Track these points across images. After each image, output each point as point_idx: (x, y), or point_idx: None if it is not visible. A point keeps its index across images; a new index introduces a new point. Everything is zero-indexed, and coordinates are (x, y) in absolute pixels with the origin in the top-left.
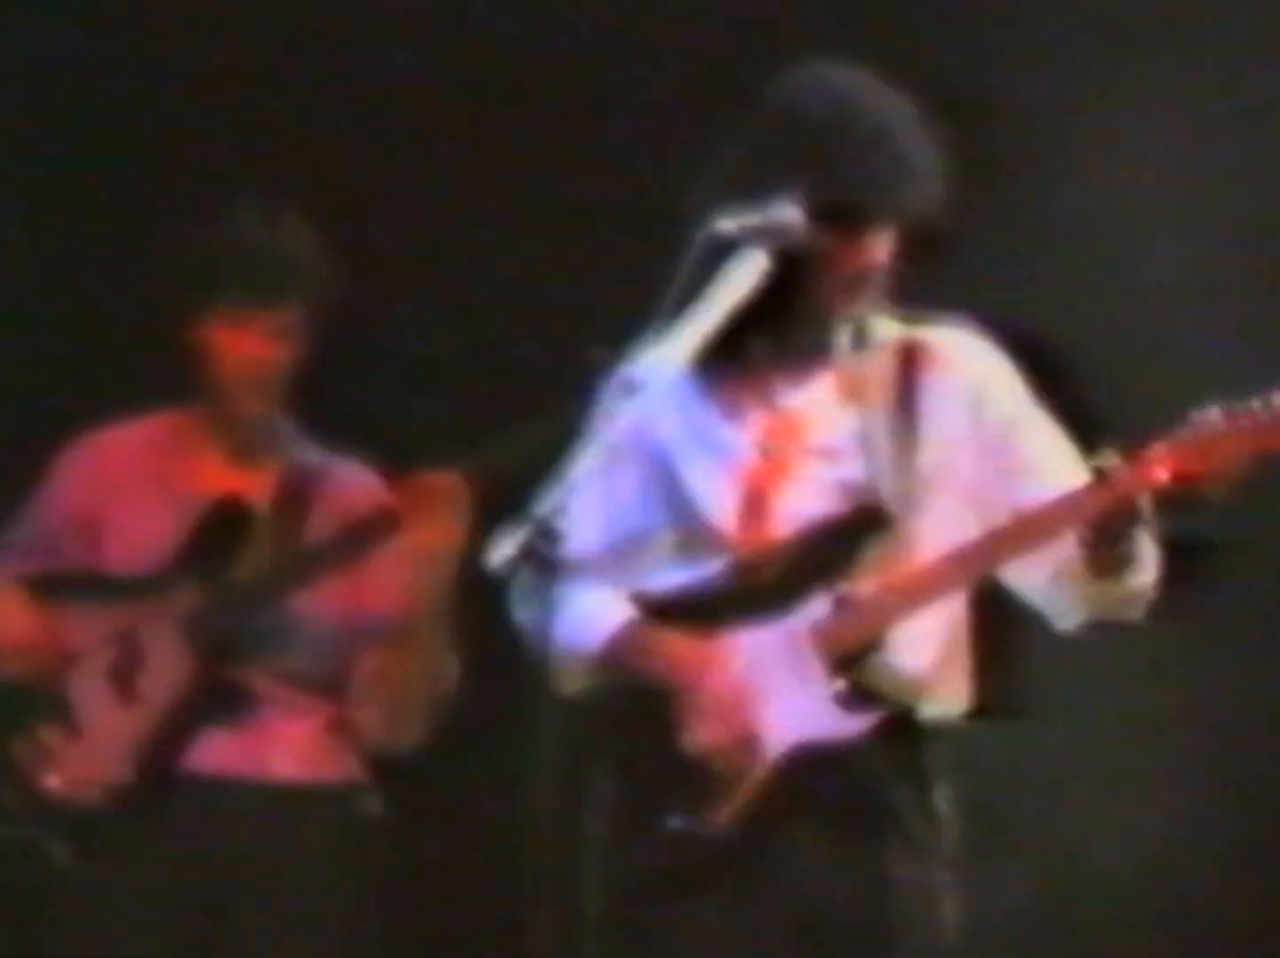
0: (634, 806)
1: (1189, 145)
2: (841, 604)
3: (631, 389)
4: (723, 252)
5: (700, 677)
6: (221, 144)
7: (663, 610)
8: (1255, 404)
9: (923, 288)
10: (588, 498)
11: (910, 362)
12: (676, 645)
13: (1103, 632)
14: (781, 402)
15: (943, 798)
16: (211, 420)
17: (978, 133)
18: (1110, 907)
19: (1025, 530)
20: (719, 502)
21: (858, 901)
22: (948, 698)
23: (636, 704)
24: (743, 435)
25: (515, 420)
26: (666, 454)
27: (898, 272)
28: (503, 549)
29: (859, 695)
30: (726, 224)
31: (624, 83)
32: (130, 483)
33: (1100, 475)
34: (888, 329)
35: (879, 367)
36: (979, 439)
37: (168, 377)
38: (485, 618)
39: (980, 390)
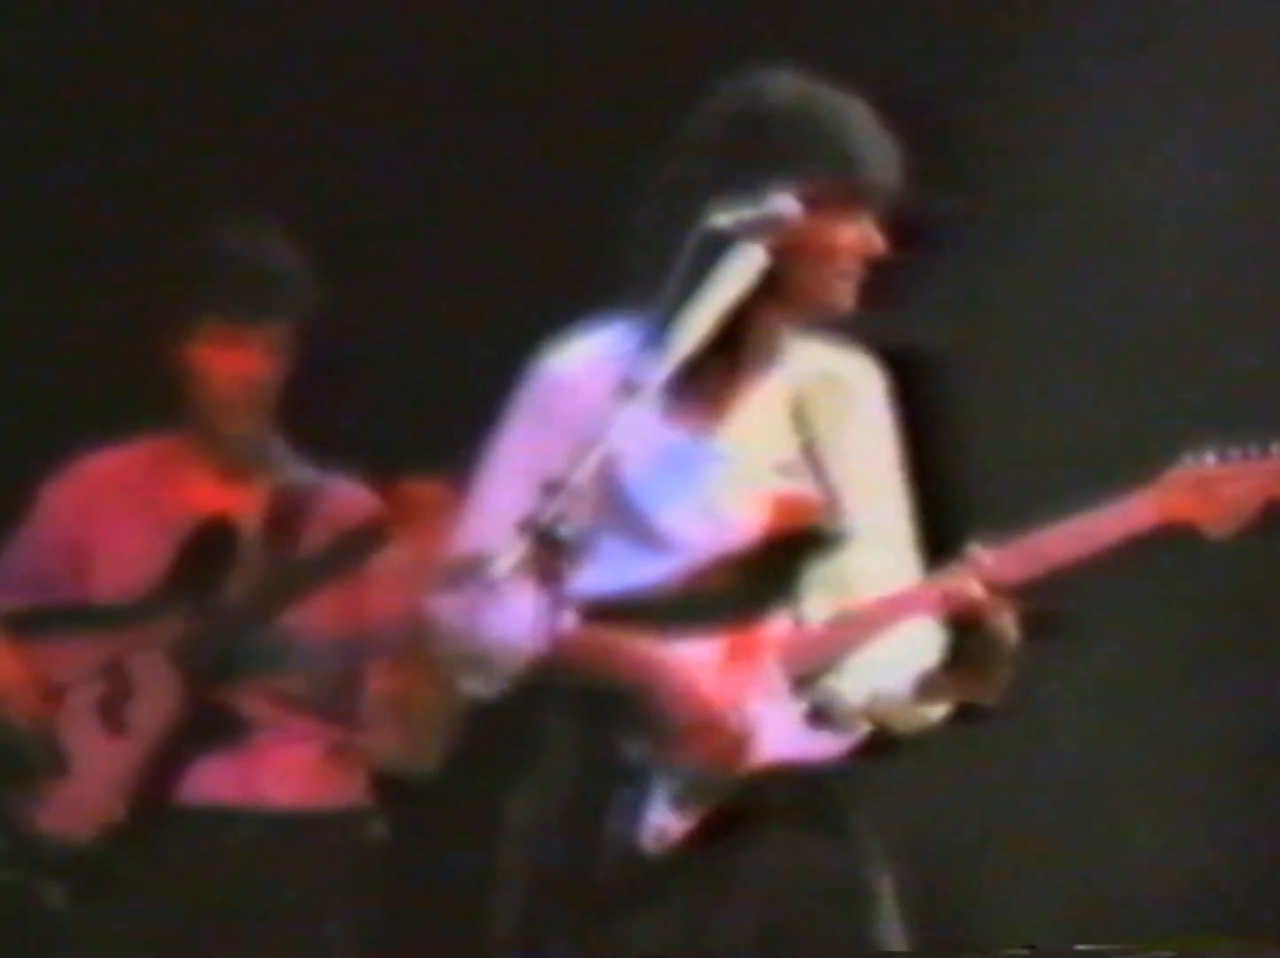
0: (584, 813)
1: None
2: (802, 623)
3: (633, 390)
4: (718, 246)
5: (687, 678)
6: (202, 159)
7: (604, 614)
8: (1254, 452)
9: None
10: (517, 495)
11: (835, 388)
12: (647, 646)
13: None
14: (735, 410)
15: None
16: (198, 442)
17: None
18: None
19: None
20: (665, 504)
21: (824, 910)
22: (917, 716)
23: (584, 707)
24: (693, 444)
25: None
26: (609, 455)
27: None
28: (503, 559)
29: (824, 716)
30: (722, 219)
31: (593, 100)
32: (117, 508)
33: None
34: (807, 348)
35: (815, 388)
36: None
37: (153, 400)
38: None
39: (880, 427)
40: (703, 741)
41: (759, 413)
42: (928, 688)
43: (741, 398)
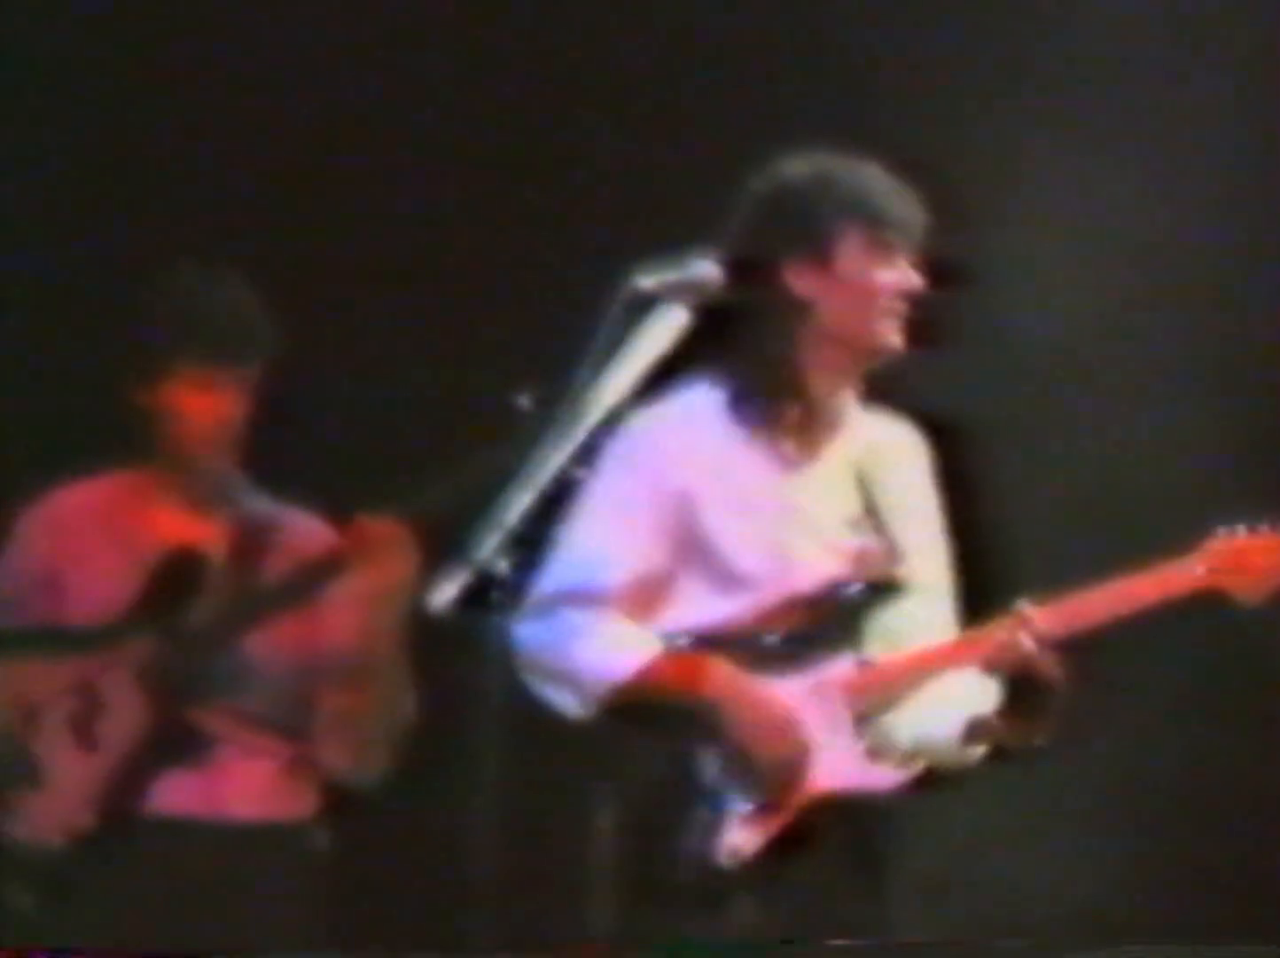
0: (656, 835)
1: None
2: (865, 664)
3: (559, 442)
4: (642, 307)
5: (757, 699)
6: (164, 205)
7: (683, 652)
8: None
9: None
10: (605, 536)
11: (891, 455)
12: (728, 671)
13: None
14: (809, 464)
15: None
16: (167, 476)
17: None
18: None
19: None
20: (741, 547)
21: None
22: (964, 756)
23: (650, 729)
24: (772, 493)
25: (449, 465)
26: (690, 500)
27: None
28: (443, 592)
29: (881, 752)
30: (646, 281)
31: (558, 144)
32: (89, 538)
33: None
34: (866, 419)
35: (872, 454)
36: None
37: (124, 436)
38: (434, 656)
39: (926, 496)
40: (766, 749)
41: (828, 470)
42: (977, 731)
43: (814, 453)
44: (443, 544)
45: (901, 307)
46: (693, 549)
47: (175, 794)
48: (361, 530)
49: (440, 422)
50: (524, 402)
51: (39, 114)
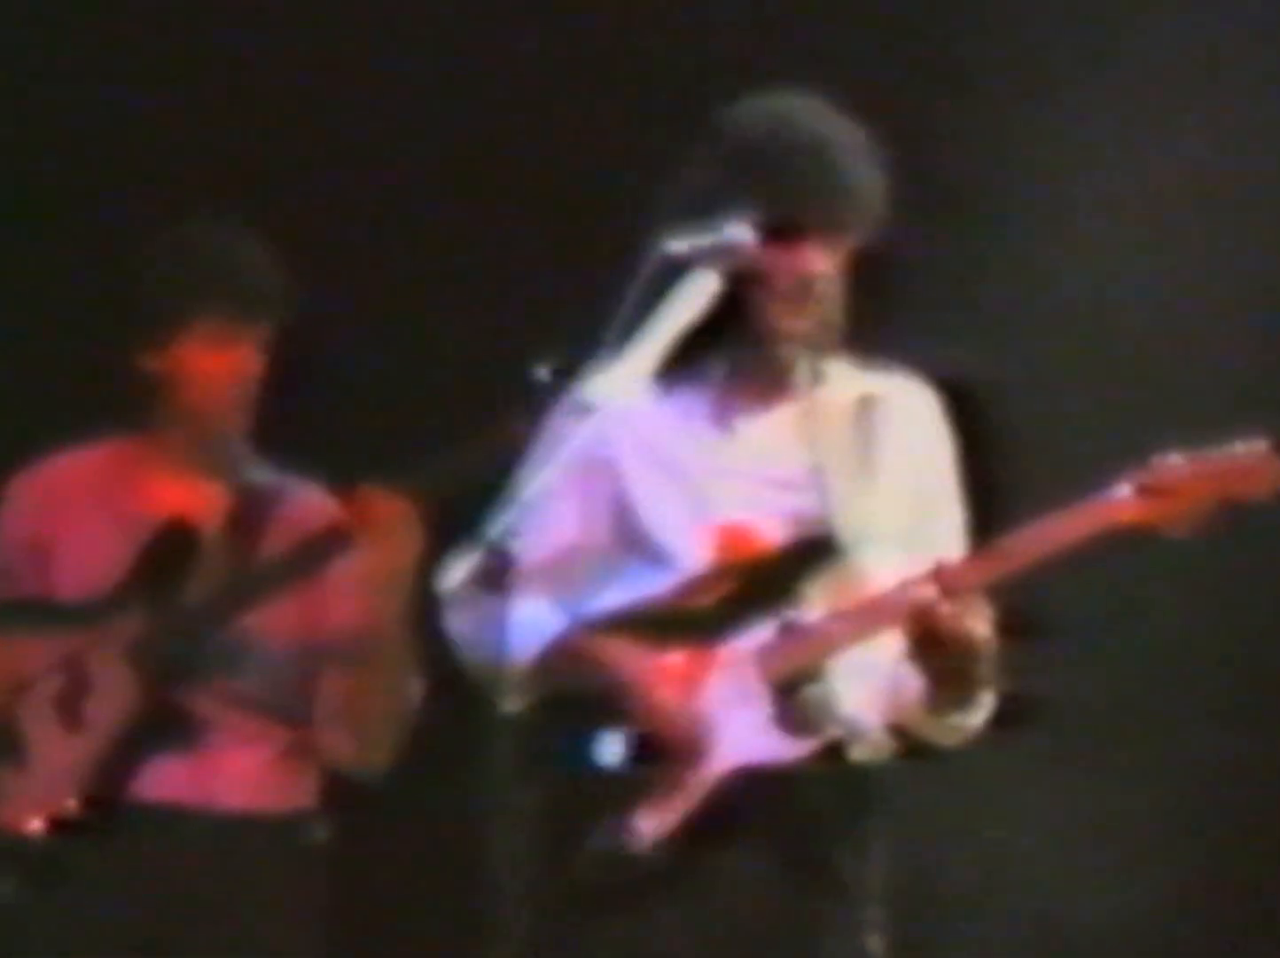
0: (559, 822)
1: (1153, 180)
2: (785, 630)
3: (583, 410)
4: (674, 272)
5: (651, 684)
6: (173, 161)
7: (604, 629)
8: (1217, 452)
9: (877, 331)
10: (528, 511)
11: (870, 407)
12: (625, 652)
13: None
14: (739, 427)
15: (874, 834)
16: (165, 443)
17: (941, 174)
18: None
19: (988, 566)
20: (670, 523)
21: (783, 932)
22: (878, 734)
23: (561, 715)
24: (698, 458)
25: (461, 438)
26: (616, 471)
27: (854, 311)
28: (454, 572)
29: (798, 721)
30: (677, 245)
31: (570, 112)
32: (81, 507)
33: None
34: (846, 373)
35: (837, 407)
36: (916, 493)
37: (123, 399)
38: (440, 639)
39: (927, 448)
40: (664, 724)
41: (771, 431)
42: (903, 696)
43: (758, 414)
44: (454, 521)
45: (806, 295)
46: (622, 524)
47: (164, 780)
48: (365, 503)
49: (456, 392)
50: (543, 373)
51: (47, 67)
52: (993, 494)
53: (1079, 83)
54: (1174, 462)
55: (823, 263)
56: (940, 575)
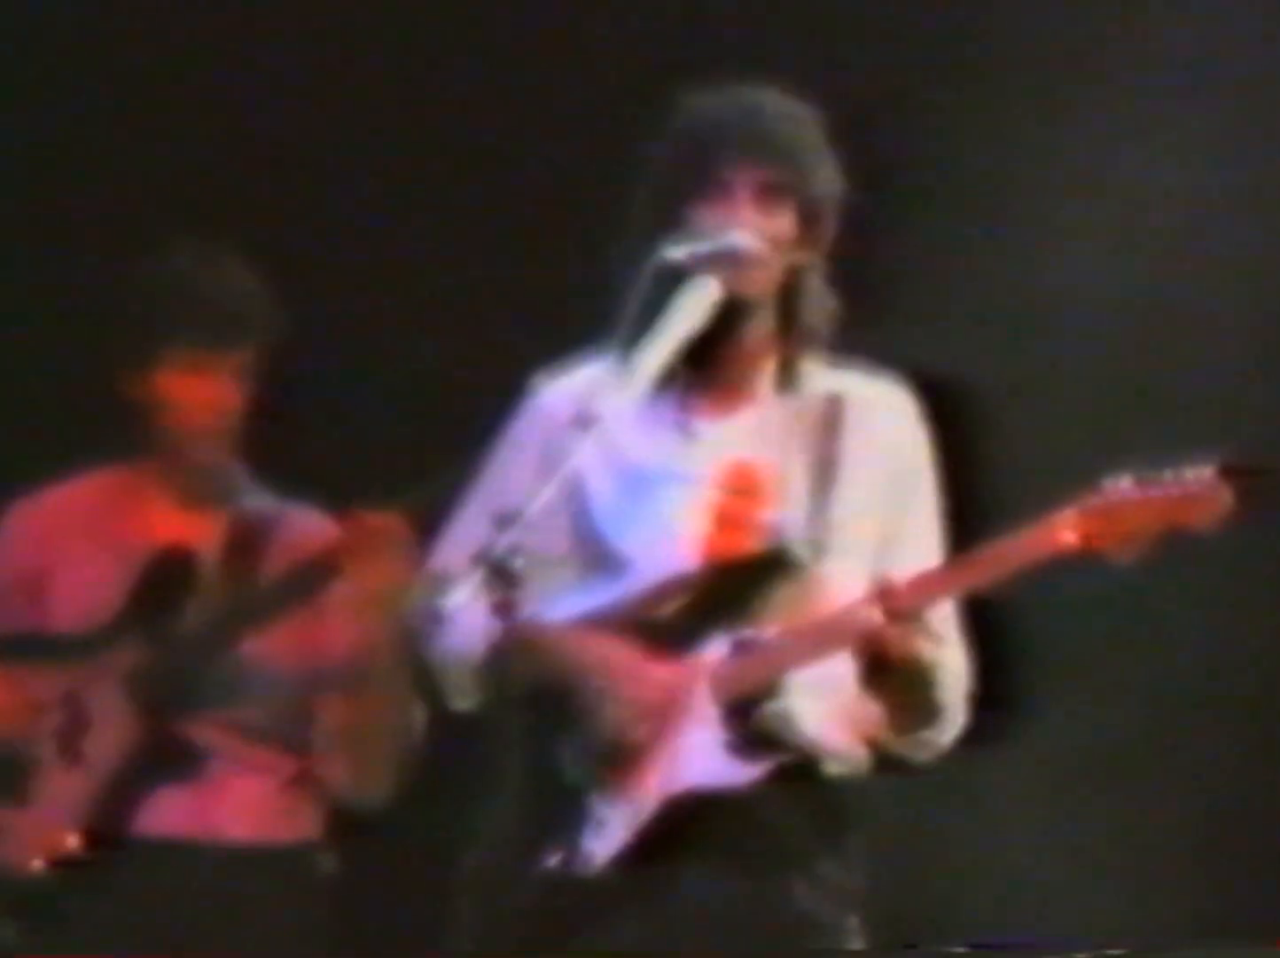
0: (513, 842)
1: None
2: (739, 647)
3: (588, 423)
4: (673, 279)
5: (615, 678)
6: (160, 185)
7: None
8: (1167, 476)
9: (859, 333)
10: (480, 511)
11: (837, 412)
12: (589, 642)
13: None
14: (701, 432)
15: (856, 840)
16: (159, 472)
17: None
18: None
19: (951, 579)
20: (626, 527)
21: (758, 936)
22: (846, 750)
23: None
24: (657, 463)
25: (458, 454)
26: (576, 473)
27: (829, 315)
28: (456, 592)
29: (751, 743)
30: (675, 252)
31: (552, 119)
32: (76, 538)
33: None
34: (818, 376)
35: (805, 412)
36: (887, 500)
37: (118, 429)
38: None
39: (900, 453)
40: (611, 717)
41: (732, 436)
42: (868, 713)
43: (713, 418)
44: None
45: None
46: (578, 533)
47: (166, 814)
48: (358, 527)
49: (452, 408)
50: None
51: (33, 90)
52: (977, 501)
53: (1077, 89)
54: (1122, 486)
55: (751, 215)
56: (884, 598)
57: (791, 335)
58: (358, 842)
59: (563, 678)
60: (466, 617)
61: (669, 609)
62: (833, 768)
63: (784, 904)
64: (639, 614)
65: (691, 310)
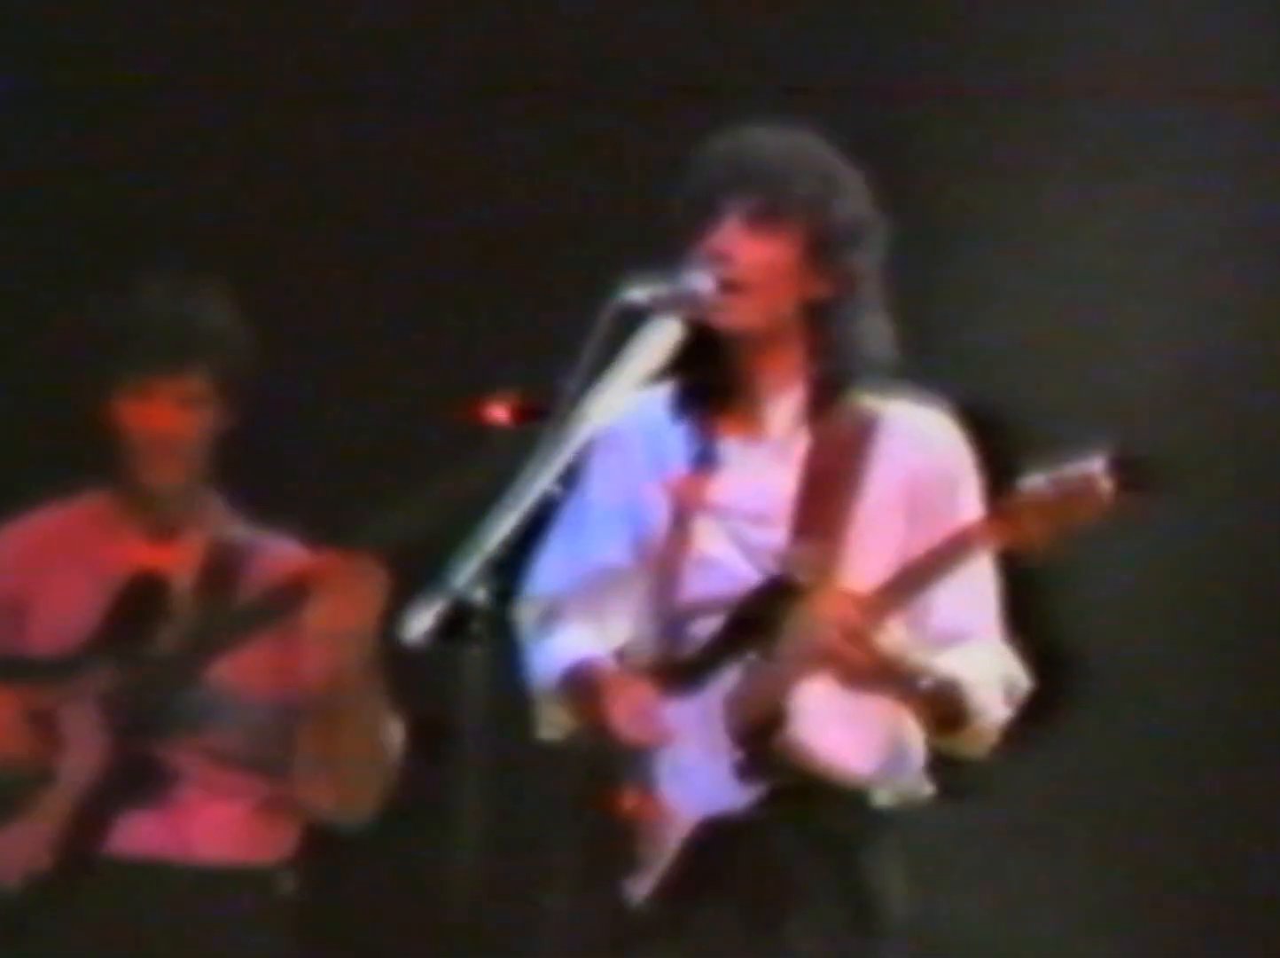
0: (591, 876)
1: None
2: (748, 672)
3: (547, 458)
4: (634, 320)
5: (628, 729)
6: (137, 217)
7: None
8: (1058, 474)
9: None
10: (561, 538)
11: (865, 430)
12: (618, 694)
13: None
14: (719, 460)
15: (881, 872)
16: (131, 498)
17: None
18: None
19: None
20: (647, 556)
21: None
22: (856, 772)
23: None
24: (679, 493)
25: (423, 486)
26: (637, 494)
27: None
28: (420, 622)
29: (757, 767)
30: (636, 294)
31: (532, 154)
32: (55, 564)
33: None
34: (858, 404)
35: (833, 435)
36: (912, 517)
37: (95, 455)
38: (413, 690)
39: (926, 474)
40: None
41: (749, 464)
42: (907, 733)
43: (731, 449)
44: (418, 571)
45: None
46: (637, 546)
47: (138, 834)
48: (330, 562)
49: (417, 440)
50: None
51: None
52: None
53: (1078, 112)
54: (1030, 485)
55: (740, 241)
56: (835, 617)
57: (820, 365)
58: (326, 864)
59: (599, 720)
60: (550, 647)
61: (693, 643)
62: (882, 799)
63: (782, 945)
64: (673, 644)
65: (651, 351)
